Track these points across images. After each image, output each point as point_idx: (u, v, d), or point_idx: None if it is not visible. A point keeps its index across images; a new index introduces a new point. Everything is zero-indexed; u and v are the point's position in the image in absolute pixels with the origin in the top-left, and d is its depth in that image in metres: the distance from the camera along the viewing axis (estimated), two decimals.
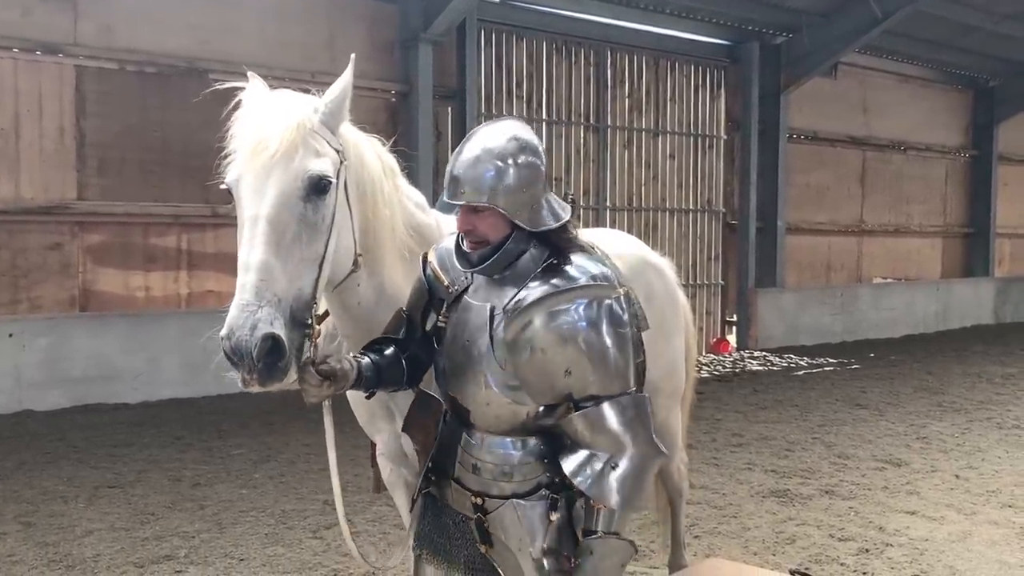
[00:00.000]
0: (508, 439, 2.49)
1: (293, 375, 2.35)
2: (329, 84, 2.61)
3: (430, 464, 2.62)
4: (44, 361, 9.47)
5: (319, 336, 2.44)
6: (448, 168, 2.46)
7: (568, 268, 2.43)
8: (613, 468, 2.35)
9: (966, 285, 19.99)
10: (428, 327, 2.66)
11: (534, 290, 2.40)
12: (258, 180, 2.38)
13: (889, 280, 18.91)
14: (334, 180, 2.47)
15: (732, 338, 15.72)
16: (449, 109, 12.47)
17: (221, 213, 10.70)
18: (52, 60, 9.84)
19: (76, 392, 9.56)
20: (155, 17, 10.28)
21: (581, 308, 2.36)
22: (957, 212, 20.76)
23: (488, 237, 2.43)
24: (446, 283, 2.58)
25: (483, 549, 2.56)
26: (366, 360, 2.54)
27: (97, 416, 9.17)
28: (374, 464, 3.48)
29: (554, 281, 2.40)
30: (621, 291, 2.43)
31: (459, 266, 2.56)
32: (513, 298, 2.42)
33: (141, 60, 10.27)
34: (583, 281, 2.39)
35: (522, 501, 2.47)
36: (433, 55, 11.81)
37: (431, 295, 2.63)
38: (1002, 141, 20.82)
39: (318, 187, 2.43)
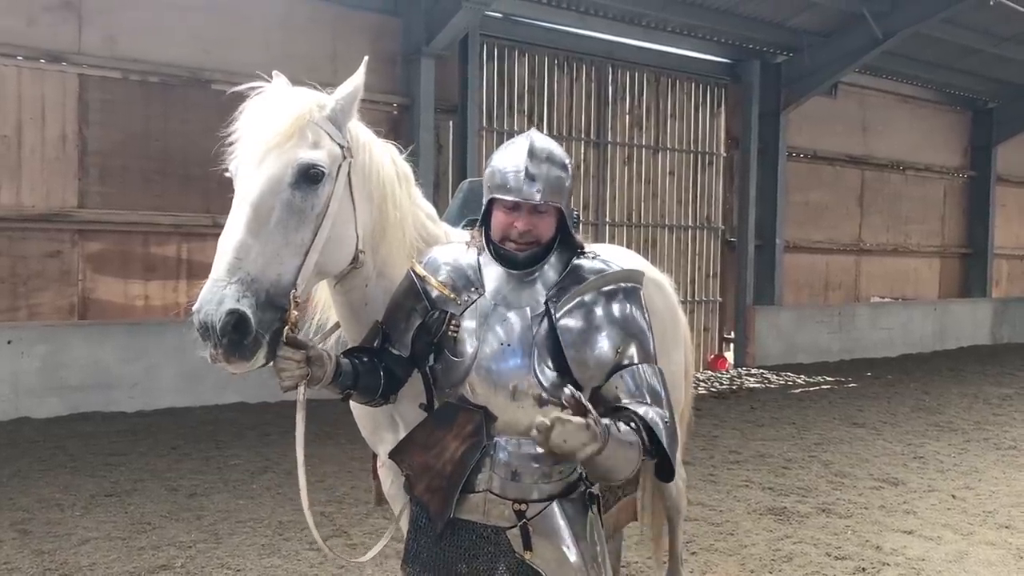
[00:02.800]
0: None
1: (262, 358, 2.36)
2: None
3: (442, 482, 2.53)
4: (42, 368, 9.47)
5: (295, 319, 2.43)
6: (503, 167, 2.51)
7: (594, 264, 2.59)
8: (661, 418, 2.40)
9: (964, 305, 20.03)
10: (427, 338, 2.58)
11: (575, 283, 2.52)
12: (250, 166, 2.45)
13: (887, 299, 18.94)
14: (327, 171, 2.50)
15: (729, 355, 15.74)
16: (450, 123, 12.52)
17: (221, 223, 10.52)
18: (56, 69, 9.88)
19: (73, 400, 9.55)
20: (159, 27, 10.32)
21: (625, 292, 2.55)
22: (955, 232, 20.82)
23: (542, 238, 2.53)
24: (451, 294, 2.57)
25: (526, 556, 2.49)
26: (345, 360, 2.53)
27: (94, 424, 9.15)
28: (375, 476, 3.47)
29: (588, 274, 2.55)
30: (638, 284, 2.62)
31: (464, 266, 2.58)
32: (553, 296, 2.51)
33: (144, 69, 10.32)
34: (615, 268, 2.58)
35: (563, 501, 2.52)
36: (435, 69, 11.86)
37: (430, 307, 2.58)
38: (1000, 162, 20.92)
39: (308, 175, 2.47)
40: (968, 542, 6.10)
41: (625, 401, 2.44)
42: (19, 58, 9.69)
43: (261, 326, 2.33)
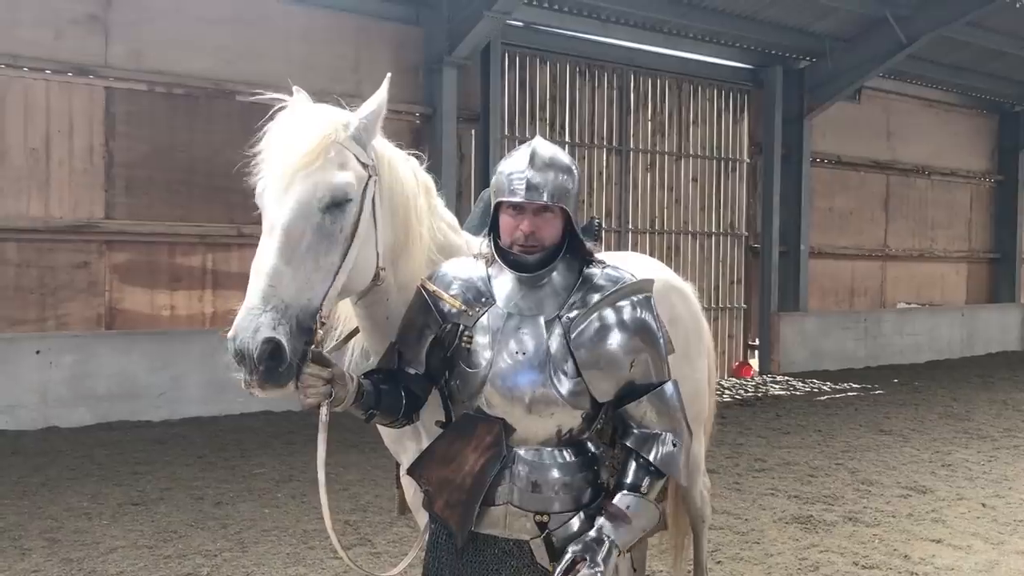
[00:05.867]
0: (558, 451, 2.52)
1: (294, 383, 2.37)
2: (355, 106, 2.65)
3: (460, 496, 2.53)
4: (70, 378, 9.57)
5: (320, 337, 2.43)
6: (510, 171, 2.53)
7: (607, 272, 2.59)
8: (675, 446, 2.55)
9: (991, 311, 19.81)
10: (441, 353, 2.58)
11: (589, 293, 2.53)
12: (279, 190, 2.43)
13: (913, 305, 18.77)
14: (356, 194, 2.50)
15: (754, 362, 15.64)
16: (472, 132, 12.56)
17: (246, 233, 10.81)
18: (83, 82, 10.01)
19: (100, 409, 9.64)
20: (184, 40, 10.43)
21: (636, 302, 2.55)
22: (982, 237, 20.61)
23: (546, 241, 2.53)
24: (463, 306, 2.56)
25: (552, 568, 2.46)
26: (366, 381, 2.53)
27: (121, 433, 9.23)
28: (398, 485, 3.47)
29: (602, 283, 2.55)
30: (650, 293, 2.62)
31: (473, 279, 2.59)
32: (568, 305, 2.52)
33: (169, 81, 10.43)
34: (628, 279, 2.57)
35: (587, 511, 2.52)
36: (457, 78, 11.90)
37: (443, 322, 2.57)
38: None
39: (337, 199, 2.46)
40: (999, 552, 6.02)
41: (633, 442, 2.55)
42: (47, 72, 9.82)
43: (294, 354, 2.34)
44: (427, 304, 2.61)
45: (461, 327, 2.54)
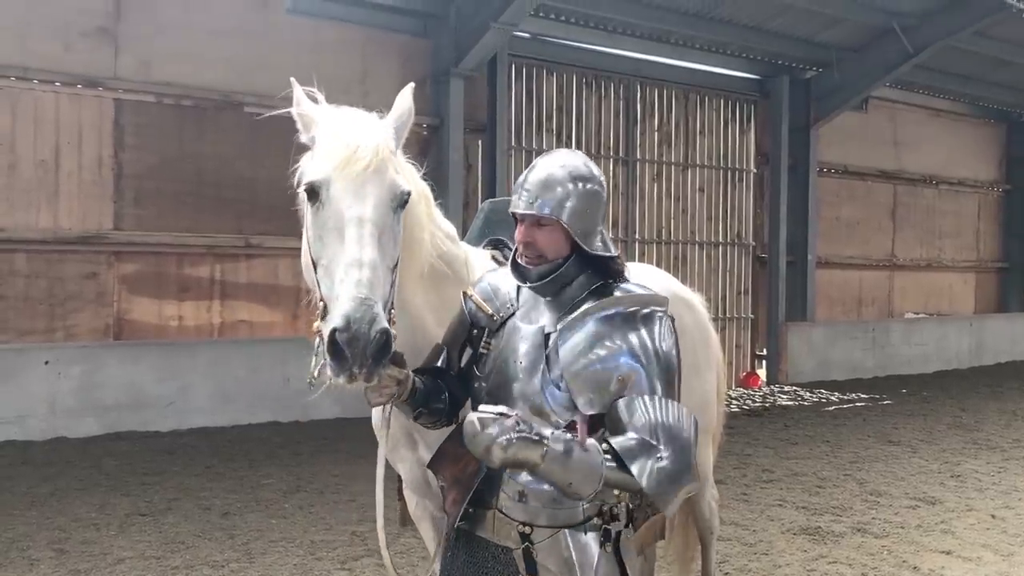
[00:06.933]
0: None
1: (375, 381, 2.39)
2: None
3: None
4: (78, 388, 9.60)
5: (395, 336, 2.44)
6: (519, 181, 2.56)
7: (623, 287, 2.56)
8: (659, 460, 2.29)
9: (1000, 320, 19.73)
10: (464, 361, 2.68)
11: (586, 303, 2.50)
12: (355, 185, 2.45)
13: (921, 315, 18.71)
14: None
15: (762, 372, 15.61)
16: (479, 142, 12.59)
17: (254, 244, 10.85)
18: (92, 93, 10.07)
19: (109, 419, 9.66)
20: (193, 52, 10.49)
21: (632, 312, 2.48)
22: (990, 247, 20.55)
23: (546, 252, 2.52)
24: (490, 312, 2.63)
25: None
26: (417, 379, 2.58)
27: (129, 444, 9.25)
28: (400, 497, 3.48)
29: (604, 297, 2.51)
30: (668, 313, 2.54)
31: (505, 288, 2.63)
32: (565, 316, 2.49)
33: (178, 93, 10.48)
34: (639, 292, 2.54)
35: (574, 532, 2.46)
36: (464, 89, 11.93)
37: (473, 327, 2.67)
38: None
39: (402, 202, 2.55)
40: (1009, 563, 5.99)
41: (618, 443, 2.32)
42: (57, 84, 9.88)
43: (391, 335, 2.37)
44: (463, 310, 2.70)
45: (485, 332, 2.61)
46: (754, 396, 14.06)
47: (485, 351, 2.59)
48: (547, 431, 2.24)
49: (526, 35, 12.83)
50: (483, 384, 2.58)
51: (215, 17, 10.63)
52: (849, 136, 16.97)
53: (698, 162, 15.06)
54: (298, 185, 2.58)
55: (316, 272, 2.49)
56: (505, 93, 12.62)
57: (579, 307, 2.50)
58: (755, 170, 15.77)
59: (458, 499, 2.57)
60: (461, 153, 11.97)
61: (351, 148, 2.46)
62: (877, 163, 17.81)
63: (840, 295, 17.53)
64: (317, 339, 2.45)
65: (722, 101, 15.34)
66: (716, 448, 4.68)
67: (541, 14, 12.55)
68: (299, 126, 2.66)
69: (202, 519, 6.73)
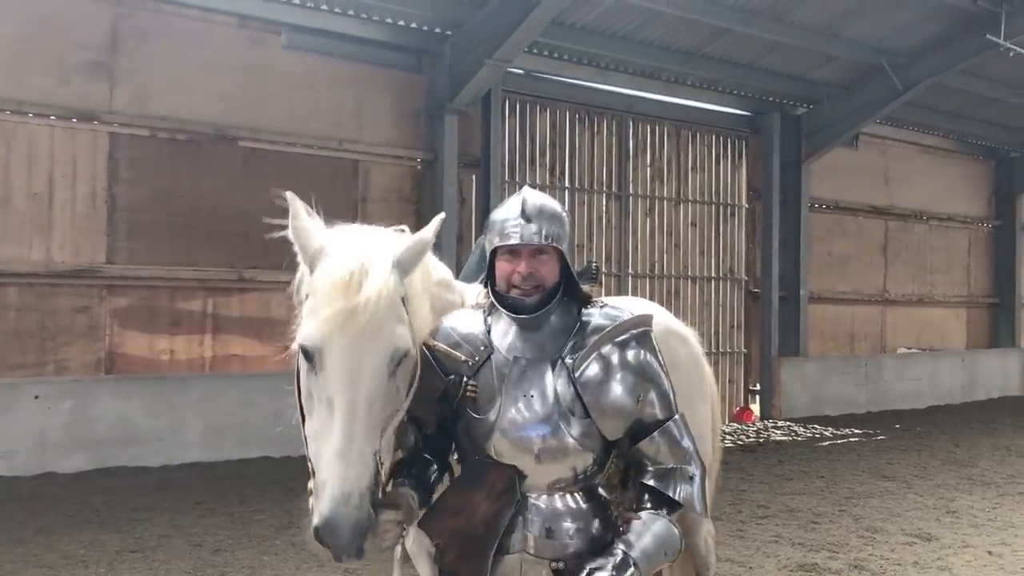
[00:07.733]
0: (571, 496, 2.53)
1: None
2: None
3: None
4: (68, 423, 9.51)
5: (386, 482, 2.43)
6: (501, 220, 2.60)
7: (605, 312, 2.65)
8: (692, 479, 2.58)
9: (992, 356, 19.78)
10: (448, 407, 2.59)
11: (588, 334, 2.57)
12: (351, 357, 2.33)
13: (913, 350, 18.74)
14: (409, 344, 2.46)
15: (755, 407, 15.59)
16: (473, 177, 12.64)
17: (247, 277, 10.83)
18: (87, 127, 10.09)
19: (99, 455, 9.56)
20: (187, 86, 10.53)
21: (637, 338, 2.61)
22: (981, 282, 20.66)
23: (546, 282, 2.57)
24: (463, 358, 2.58)
25: None
26: (410, 489, 2.51)
27: (119, 479, 9.16)
28: None
29: (600, 323, 2.59)
30: (649, 328, 2.67)
31: (469, 329, 2.62)
32: (569, 347, 2.55)
33: (173, 127, 10.50)
34: (626, 316, 2.63)
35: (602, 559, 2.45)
36: (458, 124, 12.00)
37: (447, 374, 2.58)
38: None
39: (399, 357, 2.43)
40: None
41: (653, 479, 2.57)
42: (52, 117, 9.89)
43: (373, 511, 2.34)
44: (430, 361, 2.61)
45: (464, 378, 2.56)
46: (748, 431, 14.03)
47: (472, 394, 2.54)
48: (618, 547, 2.42)
49: (520, 71, 12.94)
50: (484, 423, 2.51)
51: (210, 52, 10.68)
52: (840, 172, 17.10)
53: (690, 197, 15.15)
54: (292, 340, 2.47)
55: (304, 427, 2.47)
56: (499, 128, 12.71)
57: (581, 340, 2.55)
58: (747, 205, 15.87)
59: (467, 553, 2.46)
60: (455, 187, 12.01)
61: (350, 301, 2.32)
62: (868, 199, 17.94)
63: (833, 330, 17.56)
64: (311, 500, 2.43)
65: (714, 137, 15.46)
66: (712, 483, 4.64)
67: (535, 51, 12.67)
68: (295, 244, 2.52)
69: (193, 556, 6.65)
